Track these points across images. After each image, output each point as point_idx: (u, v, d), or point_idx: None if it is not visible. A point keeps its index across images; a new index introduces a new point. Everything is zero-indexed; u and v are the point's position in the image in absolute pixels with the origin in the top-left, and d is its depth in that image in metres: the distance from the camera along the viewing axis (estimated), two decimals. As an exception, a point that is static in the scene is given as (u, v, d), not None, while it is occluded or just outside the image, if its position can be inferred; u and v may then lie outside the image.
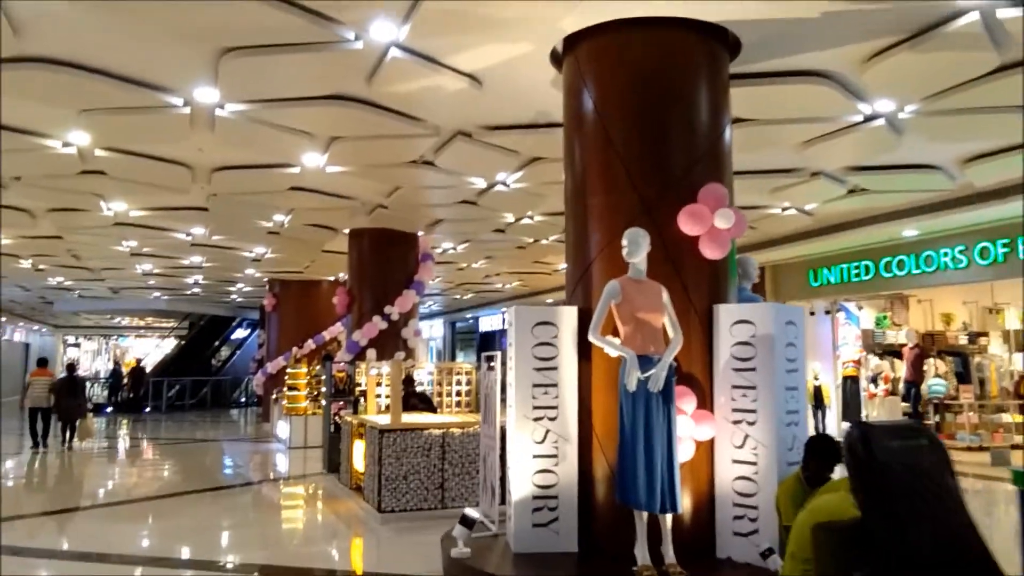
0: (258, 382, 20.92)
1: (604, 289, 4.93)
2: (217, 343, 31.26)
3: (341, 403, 11.49)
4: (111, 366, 36.46)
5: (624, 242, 4.97)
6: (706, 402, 5.15)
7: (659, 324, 4.88)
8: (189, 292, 23.81)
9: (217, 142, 8.12)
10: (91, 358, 40.83)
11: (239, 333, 31.41)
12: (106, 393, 29.18)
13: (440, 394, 11.43)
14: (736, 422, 5.02)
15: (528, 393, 5.28)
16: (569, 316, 5.40)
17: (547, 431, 5.27)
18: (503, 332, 31.11)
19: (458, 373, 11.73)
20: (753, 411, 4.95)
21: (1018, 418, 13.11)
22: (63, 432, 14.49)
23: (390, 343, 12.71)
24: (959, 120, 7.19)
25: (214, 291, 23.44)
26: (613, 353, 4.87)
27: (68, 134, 7.85)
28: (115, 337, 41.40)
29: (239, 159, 8.88)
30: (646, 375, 4.67)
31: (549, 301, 24.38)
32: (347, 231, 13.14)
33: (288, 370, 16.50)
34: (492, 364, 6.09)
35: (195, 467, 13.34)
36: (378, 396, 10.07)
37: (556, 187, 9.99)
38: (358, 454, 9.22)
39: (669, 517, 4.72)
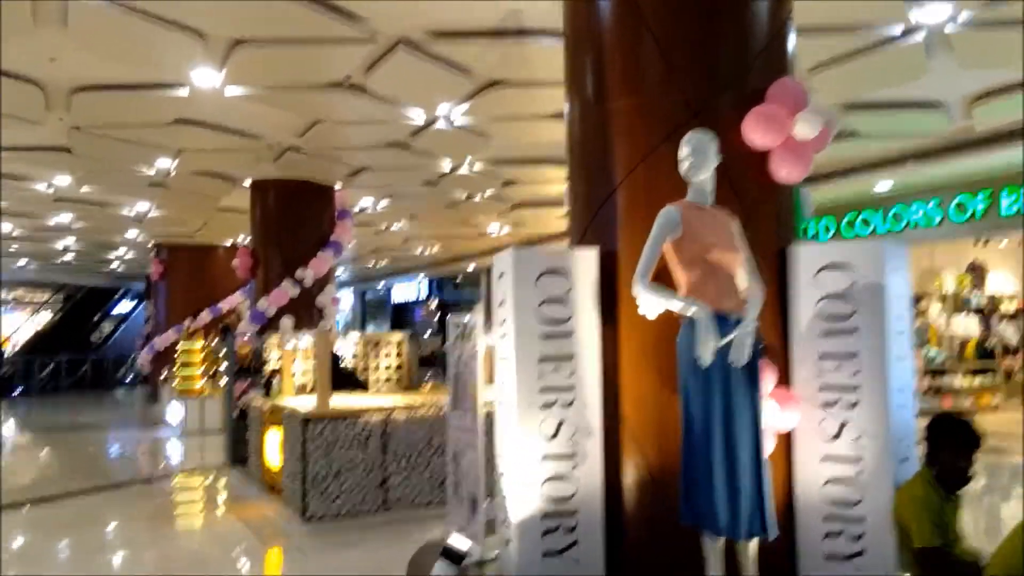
0: (144, 359, 18.47)
1: (657, 219, 3.44)
2: (97, 317, 28.25)
3: (246, 383, 9.62)
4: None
5: (684, 151, 3.50)
6: (783, 377, 3.77)
7: (735, 268, 3.45)
8: (61, 260, 20.84)
9: (75, 46, 6.10)
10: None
11: (123, 306, 28.48)
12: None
13: (365, 370, 9.73)
14: (827, 404, 3.66)
15: (533, 369, 3.75)
16: (587, 262, 3.89)
17: (561, 422, 3.77)
18: (417, 303, 29.35)
19: (387, 345, 10.04)
20: (853, 388, 3.61)
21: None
22: None
23: (303, 312, 10.87)
24: (1008, 39, 6.09)
25: (91, 258, 20.57)
26: (675, 309, 3.39)
27: None
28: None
29: (107, 75, 6.84)
30: (725, 342, 3.24)
31: (471, 268, 22.82)
32: (249, 183, 11.11)
33: (180, 345, 14.31)
34: (466, 328, 4.52)
35: (65, 460, 11.13)
36: (295, 375, 8.29)
37: (507, 125, 8.45)
38: (272, 446, 7.46)
39: (754, 544, 3.32)
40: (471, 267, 22.85)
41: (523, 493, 3.72)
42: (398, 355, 9.90)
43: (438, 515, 6.47)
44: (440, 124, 8.31)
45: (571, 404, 3.80)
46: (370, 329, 30.86)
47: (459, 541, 4.11)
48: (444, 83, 7.02)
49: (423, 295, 28.93)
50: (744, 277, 3.49)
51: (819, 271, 3.71)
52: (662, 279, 3.49)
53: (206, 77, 6.83)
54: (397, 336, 10.03)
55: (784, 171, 3.77)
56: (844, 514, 3.58)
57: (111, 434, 14.05)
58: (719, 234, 3.45)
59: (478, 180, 11.18)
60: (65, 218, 13.95)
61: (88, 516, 7.22)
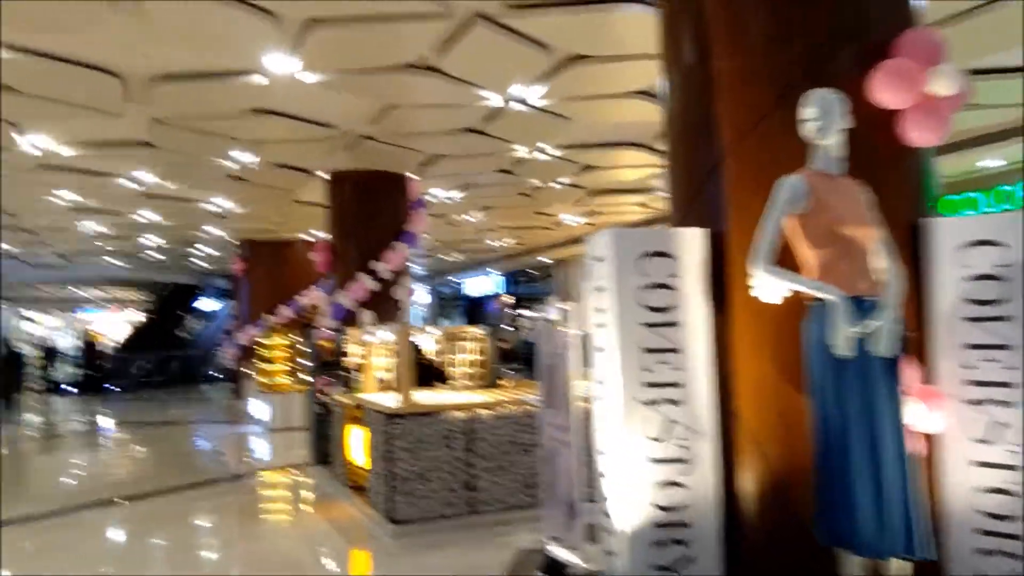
0: (229, 355, 18.88)
1: (778, 190, 3.01)
2: (185, 314, 29.22)
3: (328, 378, 9.53)
4: (75, 342, 34.24)
5: (808, 112, 3.06)
6: (922, 371, 3.28)
7: (869, 245, 2.98)
8: (149, 258, 21.52)
9: (152, 33, 6.01)
10: (53, 333, 38.28)
11: (208, 303, 29.35)
12: (71, 371, 27.24)
13: (441, 364, 9.50)
14: (976, 402, 3.16)
15: (636, 362, 3.37)
16: (694, 243, 3.48)
17: (669, 422, 3.38)
18: (491, 297, 29.18)
19: (466, 340, 9.77)
20: (1006, 385, 3.09)
21: None
22: (6, 408, 15.10)
23: (381, 305, 10.72)
24: None
25: (177, 255, 21.16)
26: (804, 291, 2.96)
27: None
28: (78, 311, 38.94)
29: (184, 63, 6.76)
30: (866, 330, 2.79)
31: (545, 260, 22.47)
32: (324, 175, 11.03)
33: (263, 341, 14.48)
34: (558, 318, 4.17)
35: (156, 457, 11.36)
36: (384, 370, 8.11)
37: (587, 105, 8.03)
38: (355, 444, 7.30)
39: (905, 566, 2.87)
40: (545, 259, 22.52)
41: (629, 501, 3.35)
42: (478, 351, 9.64)
43: (527, 518, 6.17)
44: (516, 106, 7.97)
45: (680, 401, 3.40)
46: (444, 324, 30.92)
47: (560, 553, 3.78)
48: (522, 61, 6.67)
49: (496, 289, 28.74)
50: (879, 255, 3.02)
51: (964, 247, 3.20)
52: (781, 260, 3.05)
53: (280, 63, 6.67)
54: (476, 330, 9.76)
55: (917, 134, 3.28)
56: (1002, 528, 3.08)
57: (199, 430, 14.35)
58: (851, 206, 3.00)
59: (554, 166, 10.81)
60: (151, 215, 14.26)
61: (177, 514, 7.23)
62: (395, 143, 9.34)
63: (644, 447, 3.35)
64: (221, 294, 27.33)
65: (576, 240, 18.35)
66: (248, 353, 16.92)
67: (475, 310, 30.04)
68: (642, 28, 5.93)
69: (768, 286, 3.08)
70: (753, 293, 3.20)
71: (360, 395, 7.37)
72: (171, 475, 9.06)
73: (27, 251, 19.16)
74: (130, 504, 7.58)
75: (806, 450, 3.18)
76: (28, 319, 38.07)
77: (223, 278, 24.35)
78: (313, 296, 17.25)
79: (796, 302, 3.13)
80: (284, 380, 13.83)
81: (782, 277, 2.95)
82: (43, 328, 37.98)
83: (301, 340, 13.10)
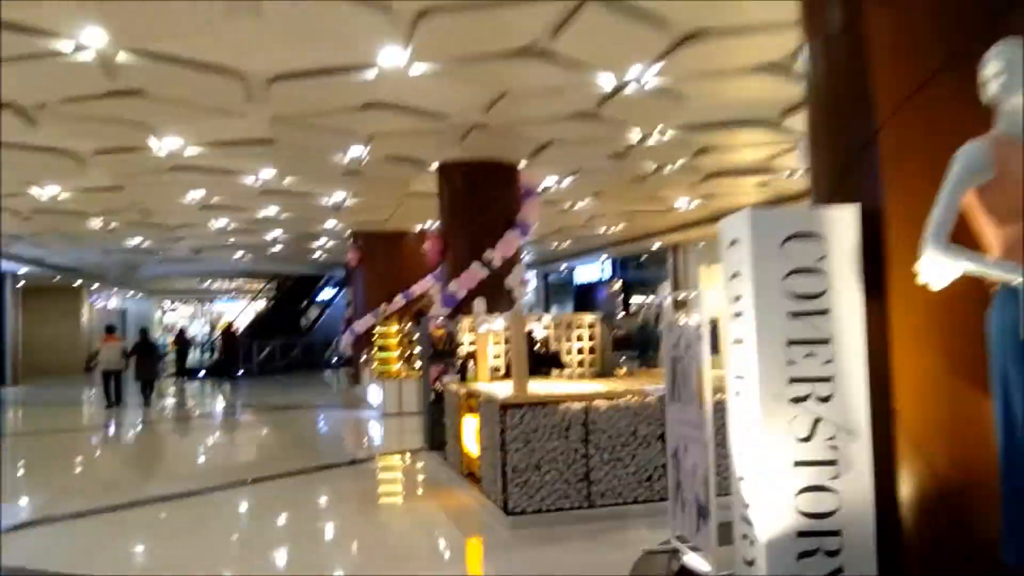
0: (346, 342, 19.50)
1: (958, 159, 2.64)
2: (305, 303, 30.57)
3: (441, 366, 9.58)
4: (207, 329, 36.49)
5: (991, 68, 2.67)
6: None
7: (1064, 221, 2.58)
8: (271, 251, 22.53)
9: (268, 34, 6.13)
10: (188, 322, 40.88)
11: (327, 292, 30.56)
12: (204, 356, 29.09)
13: (556, 352, 9.34)
14: None
15: (780, 356, 3.08)
16: (846, 223, 3.14)
17: (817, 420, 3.07)
18: (601, 283, 28.80)
19: (579, 327, 9.58)
20: None
21: None
22: (143, 392, 15.79)
23: (493, 294, 10.68)
24: None
25: (297, 247, 22.03)
26: (990, 275, 2.59)
27: (79, 31, 5.99)
28: (209, 300, 41.40)
29: (299, 61, 6.88)
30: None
31: (657, 245, 21.91)
32: (436, 167, 11.08)
33: (377, 329, 14.81)
34: (674, 304, 3.91)
35: (279, 440, 11.82)
36: (494, 357, 8.05)
37: (703, 84, 7.59)
38: (469, 432, 7.26)
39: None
40: (656, 245, 21.95)
41: (771, 506, 3.07)
42: (591, 338, 9.42)
43: (645, 513, 5.94)
44: (631, 89, 7.68)
45: (829, 398, 3.08)
46: (554, 311, 30.81)
47: (692, 559, 3.54)
48: (637, 40, 6.39)
49: (606, 275, 28.33)
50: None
51: None
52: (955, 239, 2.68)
53: (392, 55, 6.67)
54: (589, 317, 9.55)
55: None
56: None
57: (319, 414, 14.86)
58: (1043, 175, 2.59)
59: (668, 150, 10.41)
60: (272, 210, 14.84)
61: (298, 498, 7.43)
62: (506, 132, 9.23)
63: (789, 448, 3.06)
64: (339, 284, 28.32)
65: (689, 225, 17.76)
66: (364, 341, 17.41)
67: (585, 297, 29.74)
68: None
69: (937, 269, 2.72)
70: (917, 277, 2.85)
71: (474, 384, 7.32)
72: (293, 459, 9.35)
73: (160, 246, 20.45)
74: (254, 487, 7.86)
75: (979, 455, 2.81)
76: (165, 310, 40.89)
77: (340, 268, 25.21)
78: (425, 286, 17.56)
79: (967, 286, 2.75)
80: (398, 367, 14.09)
81: (962, 258, 2.58)
82: (178, 318, 40.69)
83: (415, 328, 13.29)
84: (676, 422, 4.02)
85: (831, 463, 3.07)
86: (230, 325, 28.23)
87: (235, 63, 6.87)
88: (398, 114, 8.38)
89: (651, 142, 9.93)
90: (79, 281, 27.10)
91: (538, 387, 6.56)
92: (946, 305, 2.91)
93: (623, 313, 23.36)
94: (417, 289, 17.60)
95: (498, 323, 7.76)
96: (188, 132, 9.10)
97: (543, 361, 8.05)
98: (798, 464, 3.06)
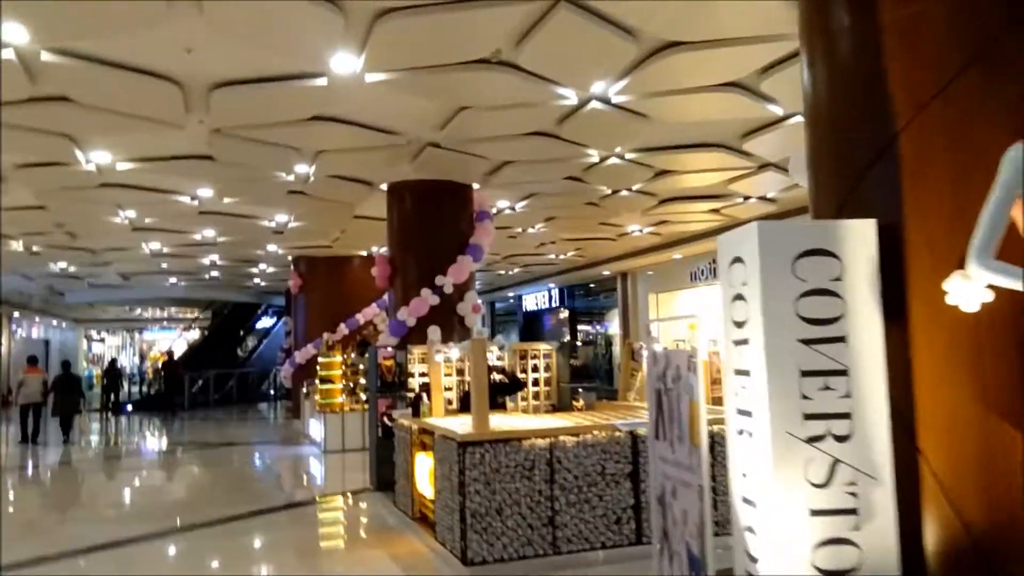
0: (286, 373, 18.65)
1: (1006, 163, 2.32)
2: (242, 332, 29.37)
3: (389, 400, 9.02)
4: (136, 360, 34.74)
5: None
6: None
7: None
8: (207, 277, 21.55)
9: (210, 34, 5.61)
10: (116, 353, 38.92)
11: (265, 321, 29.46)
12: (135, 389, 27.54)
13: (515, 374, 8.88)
14: None
15: (793, 389, 2.70)
16: (864, 237, 2.80)
17: (834, 464, 2.69)
18: (548, 311, 28.48)
19: (535, 357, 9.15)
20: None
21: None
22: (62, 428, 14.88)
23: (444, 321, 10.20)
24: None
25: (234, 273, 21.13)
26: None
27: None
28: (139, 330, 39.60)
29: (245, 67, 6.36)
30: None
31: (606, 273, 21.73)
32: (385, 187, 10.59)
33: (320, 359, 14.11)
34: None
35: (209, 483, 10.99)
36: (446, 390, 7.53)
37: (669, 101, 7.34)
38: (422, 472, 6.73)
39: None
40: (605, 272, 21.78)
41: (785, 562, 2.66)
42: (546, 368, 9.01)
43: (615, 559, 5.53)
44: (594, 105, 7.37)
45: (847, 437, 2.71)
46: (499, 340, 30.34)
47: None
48: (606, 51, 6.06)
49: (553, 303, 28.06)
50: None
51: None
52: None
53: (346, 62, 6.21)
54: (545, 346, 9.14)
55: None
56: None
57: (256, 451, 14.00)
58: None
59: (627, 171, 10.14)
60: (209, 233, 14.08)
61: (230, 548, 6.75)
62: (461, 150, 8.82)
63: (804, 495, 2.67)
64: (278, 312, 27.35)
65: (640, 251, 17.63)
66: (305, 371, 16.64)
67: (531, 325, 29.39)
68: (743, 7, 5.30)
69: (971, 289, 2.40)
70: (944, 298, 2.52)
71: (428, 419, 6.80)
72: (225, 502, 8.63)
73: (86, 271, 19.31)
74: (181, 535, 7.14)
75: (1014, 500, 2.48)
76: (91, 339, 38.92)
77: (280, 296, 24.31)
78: (370, 313, 16.94)
79: (996, 308, 2.44)
80: (341, 400, 13.40)
81: (1012, 276, 2.25)
82: (105, 348, 38.76)
83: (360, 359, 12.67)
84: (662, 462, 3.60)
85: (851, 512, 2.69)
86: (171, 354, 26.81)
87: (172, 67, 6.31)
88: (348, 129, 7.90)
89: (609, 163, 9.65)
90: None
91: (498, 422, 6.09)
92: (974, 329, 2.59)
93: (581, 342, 23.00)
94: (361, 317, 16.97)
95: (454, 352, 7.27)
96: (119, 145, 8.43)
97: (500, 389, 7.57)
98: (815, 514, 2.67)
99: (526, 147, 8.79)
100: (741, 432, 2.87)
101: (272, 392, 26.20)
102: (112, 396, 22.61)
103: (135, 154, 8.76)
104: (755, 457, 2.77)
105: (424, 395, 7.12)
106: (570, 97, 7.17)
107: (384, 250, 11.39)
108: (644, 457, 5.71)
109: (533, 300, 29.07)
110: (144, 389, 27.68)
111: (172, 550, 6.77)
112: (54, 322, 32.43)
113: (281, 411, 21.23)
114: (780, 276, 2.72)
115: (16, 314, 27.62)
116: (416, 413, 7.06)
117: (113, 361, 25.29)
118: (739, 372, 2.87)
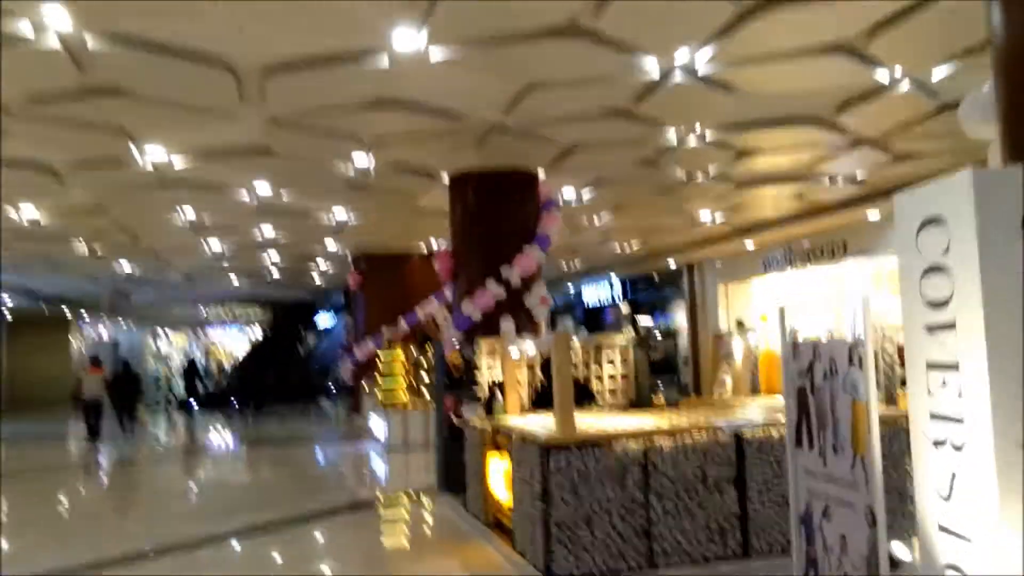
0: (346, 370, 18.42)
1: None
2: (303, 330, 29.52)
3: (456, 397, 8.54)
4: (199, 359, 35.31)
5: None
6: None
7: None
8: (268, 276, 21.50)
9: (263, 14, 5.18)
10: (180, 352, 39.65)
11: (325, 319, 29.51)
12: (194, 387, 27.96)
13: (586, 380, 8.31)
14: None
15: (1018, 388, 2.06)
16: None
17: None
18: (611, 306, 27.72)
19: (610, 350, 8.56)
20: None
21: None
22: (119, 421, 15.74)
23: (510, 315, 9.66)
24: None
25: (295, 271, 21.01)
26: None
27: (41, 8, 5.03)
28: (202, 329, 40.26)
29: (299, 47, 5.93)
30: None
31: (671, 264, 20.89)
32: (447, 179, 10.12)
33: (380, 355, 13.77)
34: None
35: (268, 482, 10.71)
36: (522, 387, 7.00)
37: (759, 70, 6.66)
38: (497, 475, 6.21)
39: None
40: (671, 264, 20.92)
41: (1011, 612, 2.03)
42: (623, 361, 8.41)
43: (718, 574, 4.91)
44: (677, 77, 6.73)
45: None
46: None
47: None
48: (699, 10, 5.43)
49: (614, 296, 27.28)
50: None
51: None
52: None
53: (406, 38, 5.73)
54: (621, 339, 8.56)
55: None
56: None
57: (316, 448, 13.75)
58: None
59: (705, 153, 9.45)
60: (268, 232, 13.85)
61: (291, 556, 6.35)
62: (527, 133, 8.27)
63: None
64: (338, 309, 27.32)
65: (710, 240, 16.79)
66: (366, 368, 16.37)
67: (592, 318, 28.68)
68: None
69: None
70: None
71: (504, 418, 6.27)
72: (285, 504, 8.28)
73: (151, 274, 19.42)
74: (239, 540, 6.78)
75: None
76: (156, 338, 39.73)
77: (340, 293, 24.21)
78: (431, 308, 16.55)
79: None
80: (403, 396, 13.04)
81: None
82: (170, 347, 39.50)
83: (423, 354, 12.27)
84: (808, 475, 2.98)
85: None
86: (222, 354, 27.02)
87: (224, 50, 5.91)
88: (409, 113, 7.44)
89: (687, 144, 8.98)
90: (67, 312, 26.09)
91: (585, 422, 5.52)
92: None
93: (659, 334, 22.04)
94: (420, 312, 16.61)
95: (530, 347, 6.74)
96: (173, 139, 8.14)
97: (580, 390, 7.01)
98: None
99: (597, 129, 8.21)
100: (941, 443, 2.24)
101: (333, 389, 26.20)
102: (191, 395, 22.98)
103: (189, 147, 8.46)
104: (967, 477, 2.14)
105: (498, 392, 6.60)
106: (650, 69, 6.55)
107: (446, 243, 10.93)
108: (750, 461, 5.08)
109: (593, 292, 28.35)
110: (209, 387, 28.01)
111: (235, 554, 6.41)
112: (121, 324, 33.12)
113: (342, 407, 21.08)
114: (1003, 242, 2.08)
115: (85, 316, 28.29)
116: (489, 411, 6.54)
117: (192, 361, 25.73)
118: (938, 366, 2.24)
